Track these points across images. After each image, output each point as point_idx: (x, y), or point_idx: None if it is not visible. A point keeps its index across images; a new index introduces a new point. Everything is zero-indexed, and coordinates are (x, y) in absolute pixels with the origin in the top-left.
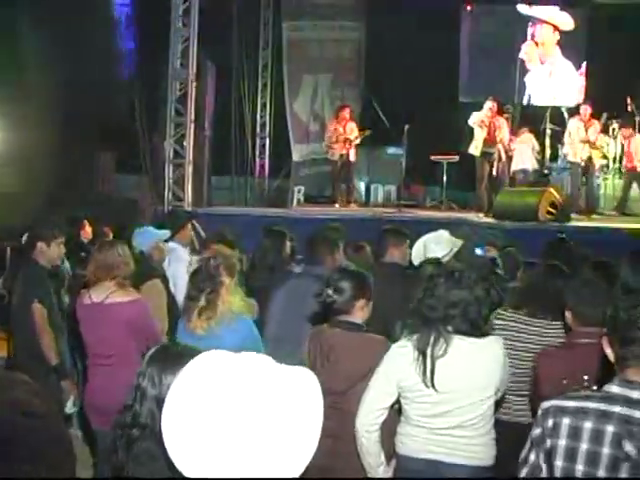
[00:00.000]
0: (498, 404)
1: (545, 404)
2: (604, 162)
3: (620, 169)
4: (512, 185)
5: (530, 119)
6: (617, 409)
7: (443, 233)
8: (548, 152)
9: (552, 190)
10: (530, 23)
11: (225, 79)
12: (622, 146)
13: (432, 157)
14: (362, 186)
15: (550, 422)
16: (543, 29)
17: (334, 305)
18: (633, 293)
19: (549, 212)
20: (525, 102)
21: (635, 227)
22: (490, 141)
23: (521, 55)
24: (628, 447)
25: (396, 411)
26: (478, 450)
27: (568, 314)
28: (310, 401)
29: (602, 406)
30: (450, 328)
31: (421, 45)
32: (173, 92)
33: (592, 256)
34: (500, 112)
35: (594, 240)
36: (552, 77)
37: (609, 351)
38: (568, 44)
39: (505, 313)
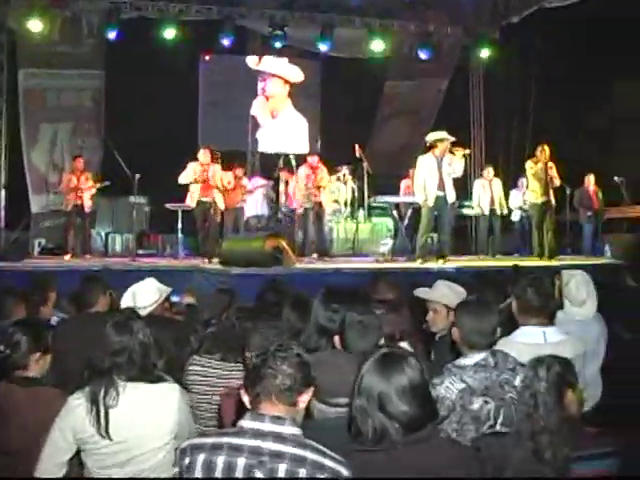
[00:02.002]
0: None
1: (183, 444)
2: (336, 207)
3: (353, 212)
4: (247, 230)
5: (265, 166)
6: (247, 442)
7: (151, 281)
8: (283, 198)
9: (276, 235)
10: (260, 77)
11: None
12: (352, 191)
13: (167, 205)
14: (101, 236)
15: (187, 460)
16: (273, 82)
17: (9, 360)
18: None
19: (275, 257)
20: (259, 150)
21: (363, 267)
22: (206, 190)
23: (253, 112)
24: (259, 476)
25: None
26: None
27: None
28: None
29: (234, 440)
30: (122, 376)
31: (162, 93)
32: None
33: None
34: (214, 159)
35: (317, 281)
36: (283, 129)
37: (245, 399)
38: (298, 95)
39: (199, 358)
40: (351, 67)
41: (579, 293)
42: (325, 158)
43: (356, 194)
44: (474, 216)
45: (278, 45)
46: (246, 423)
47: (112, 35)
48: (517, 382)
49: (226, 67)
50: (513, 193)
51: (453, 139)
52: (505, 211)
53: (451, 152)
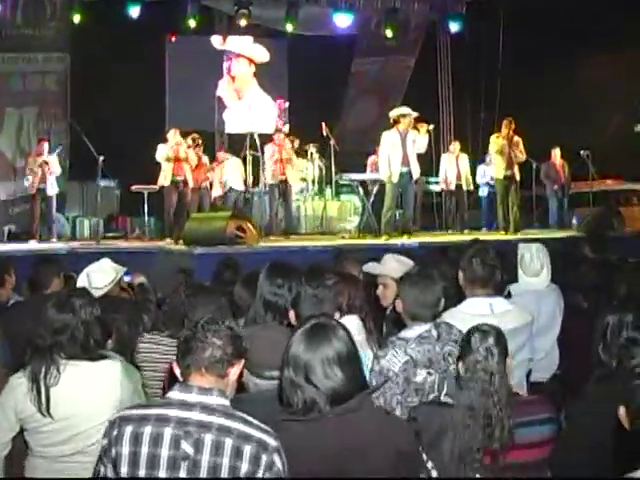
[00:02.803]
0: None
1: (113, 416)
2: (303, 185)
3: (321, 190)
4: (216, 209)
5: (233, 147)
6: (174, 412)
7: (105, 262)
8: (250, 178)
9: (239, 215)
10: (225, 57)
11: None
12: (320, 169)
13: (133, 187)
14: (68, 220)
15: (115, 432)
16: (238, 62)
17: None
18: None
19: (237, 236)
20: (226, 131)
21: (328, 244)
22: (178, 170)
23: (218, 93)
24: (186, 447)
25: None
26: None
27: None
28: None
29: (161, 411)
30: (62, 354)
31: (128, 75)
32: None
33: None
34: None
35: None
36: (250, 109)
37: (177, 371)
38: (265, 75)
39: (149, 336)
40: (318, 45)
41: (533, 264)
42: (293, 137)
43: (324, 172)
44: (441, 192)
45: (243, 24)
46: (174, 394)
47: (75, 18)
48: None
49: (192, 48)
50: (480, 168)
51: (416, 114)
52: (472, 186)
53: (415, 128)
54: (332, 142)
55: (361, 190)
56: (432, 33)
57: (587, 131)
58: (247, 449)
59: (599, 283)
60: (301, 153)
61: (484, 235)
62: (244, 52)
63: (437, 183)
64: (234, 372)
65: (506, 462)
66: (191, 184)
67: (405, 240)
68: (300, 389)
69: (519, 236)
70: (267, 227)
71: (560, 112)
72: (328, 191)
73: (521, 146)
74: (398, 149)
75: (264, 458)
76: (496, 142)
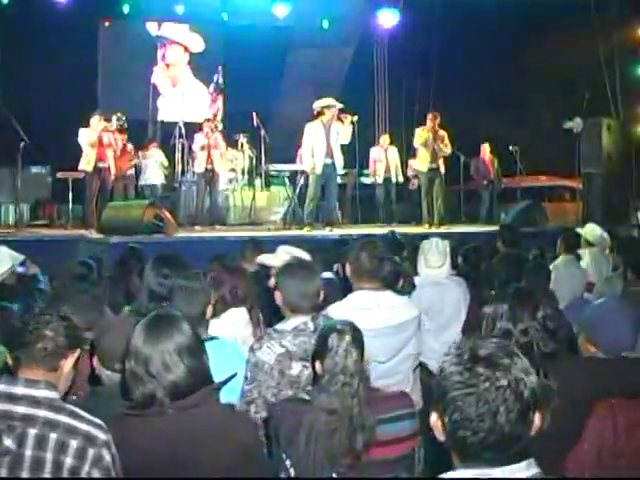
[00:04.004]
0: None
1: None
2: (232, 175)
3: (250, 180)
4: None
5: (161, 135)
6: None
7: (2, 250)
8: (180, 166)
9: (156, 204)
10: (159, 44)
11: None
12: (250, 159)
13: (59, 174)
14: None
15: None
16: (173, 50)
17: None
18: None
19: (154, 224)
20: (159, 119)
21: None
22: (101, 156)
23: (153, 80)
24: (8, 442)
25: None
26: None
27: None
28: None
29: None
30: None
31: (61, 59)
32: None
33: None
34: (121, 130)
35: (199, 249)
36: (184, 97)
37: (10, 362)
38: (199, 63)
39: None
40: (254, 35)
41: (432, 256)
42: (228, 127)
43: (254, 162)
44: (371, 184)
45: (180, 11)
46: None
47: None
48: None
49: (126, 34)
50: (412, 161)
51: (340, 106)
52: (401, 179)
53: (339, 119)
54: (262, 132)
55: (287, 181)
56: (368, 25)
57: (519, 127)
58: (73, 443)
59: (507, 277)
60: (231, 143)
61: (409, 228)
62: (179, 39)
63: (367, 175)
64: (68, 364)
65: (368, 459)
66: (114, 171)
67: (328, 232)
68: (141, 382)
69: (442, 230)
70: (193, 217)
71: (493, 106)
72: (258, 182)
73: (446, 140)
74: (322, 140)
75: (91, 452)
76: (421, 135)
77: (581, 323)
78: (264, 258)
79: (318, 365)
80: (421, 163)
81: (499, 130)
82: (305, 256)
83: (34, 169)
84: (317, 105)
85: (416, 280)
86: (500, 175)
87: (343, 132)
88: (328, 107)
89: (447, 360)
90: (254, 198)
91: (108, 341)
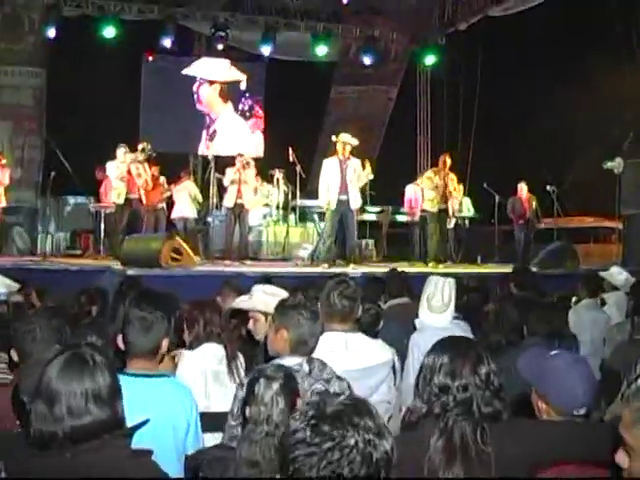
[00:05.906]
0: None
1: None
2: (265, 210)
3: (285, 216)
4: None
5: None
6: None
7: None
8: (215, 200)
9: (176, 237)
10: (195, 81)
11: None
12: (285, 195)
13: (90, 206)
14: (21, 235)
15: None
16: (213, 86)
17: None
18: None
19: (173, 258)
20: (199, 153)
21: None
22: (131, 188)
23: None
24: None
25: None
26: None
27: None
28: None
29: None
30: None
31: (104, 92)
32: None
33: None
34: (153, 162)
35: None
36: (223, 132)
37: None
38: (240, 97)
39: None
40: (296, 70)
41: (437, 304)
42: (267, 161)
43: (289, 198)
44: (407, 223)
45: (220, 47)
46: None
47: (52, 33)
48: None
49: (168, 67)
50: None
51: (356, 143)
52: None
53: (362, 165)
54: (298, 168)
55: (316, 217)
56: (412, 64)
57: (558, 166)
58: None
59: (517, 320)
60: (267, 178)
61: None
62: (220, 77)
63: (403, 214)
64: None
65: None
66: (145, 201)
67: (351, 269)
68: (42, 420)
69: (447, 269)
70: (223, 251)
71: (533, 146)
72: (292, 217)
73: (455, 182)
74: (337, 176)
75: None
76: (431, 177)
77: (532, 375)
78: (240, 302)
79: (248, 411)
80: (430, 204)
81: (541, 169)
82: (283, 294)
83: (75, 200)
84: (333, 139)
85: (417, 323)
86: (539, 215)
87: (360, 173)
88: (344, 143)
89: (292, 417)
90: (287, 234)
91: (31, 375)
